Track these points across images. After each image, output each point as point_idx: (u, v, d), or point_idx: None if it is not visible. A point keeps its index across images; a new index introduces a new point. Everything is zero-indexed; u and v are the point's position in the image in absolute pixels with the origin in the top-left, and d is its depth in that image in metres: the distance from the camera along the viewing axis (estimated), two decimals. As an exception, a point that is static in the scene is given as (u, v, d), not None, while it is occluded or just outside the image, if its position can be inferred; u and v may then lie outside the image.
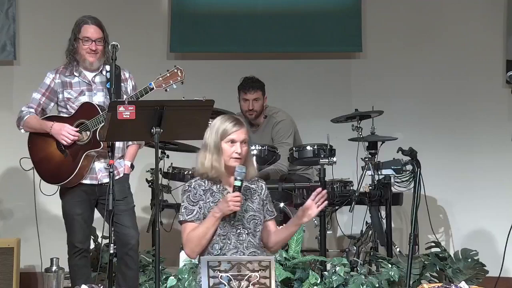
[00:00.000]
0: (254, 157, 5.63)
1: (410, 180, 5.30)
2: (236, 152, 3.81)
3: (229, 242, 3.82)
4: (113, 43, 4.52)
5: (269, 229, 3.97)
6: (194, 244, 3.80)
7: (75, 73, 4.79)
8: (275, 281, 3.86)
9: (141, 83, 4.72)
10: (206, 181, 3.88)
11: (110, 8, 6.43)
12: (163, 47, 6.71)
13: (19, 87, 6.41)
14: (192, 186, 3.87)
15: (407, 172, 5.33)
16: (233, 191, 3.77)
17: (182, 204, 3.87)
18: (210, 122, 5.60)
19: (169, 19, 6.72)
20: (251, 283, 3.29)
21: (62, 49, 4.86)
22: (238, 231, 3.84)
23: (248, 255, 3.78)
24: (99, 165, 4.73)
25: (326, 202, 3.82)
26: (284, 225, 3.99)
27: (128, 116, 4.02)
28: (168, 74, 4.61)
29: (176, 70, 4.62)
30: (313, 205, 3.81)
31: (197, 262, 5.12)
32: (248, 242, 3.84)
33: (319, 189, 3.84)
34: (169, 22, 6.72)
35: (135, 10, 6.68)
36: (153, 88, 4.60)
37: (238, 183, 3.77)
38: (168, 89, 4.61)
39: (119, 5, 6.62)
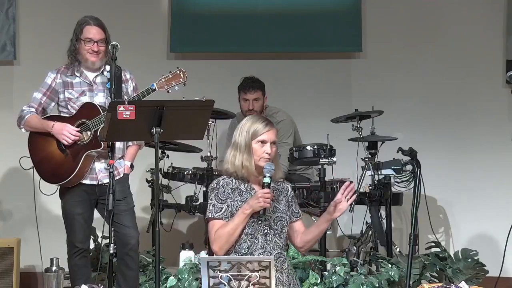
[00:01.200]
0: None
1: (410, 180, 5.31)
2: (266, 153, 3.87)
3: (256, 241, 3.85)
4: (113, 43, 4.51)
5: (296, 230, 4.01)
6: (223, 242, 3.82)
7: (76, 73, 4.79)
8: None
9: (141, 83, 4.72)
10: (234, 180, 3.92)
11: (110, 8, 6.43)
12: (163, 47, 6.71)
13: (19, 87, 6.41)
14: (220, 184, 3.91)
15: (407, 172, 5.34)
16: (263, 188, 3.81)
17: (209, 201, 3.91)
18: (210, 122, 5.67)
19: (169, 19, 6.72)
20: (251, 283, 3.29)
21: (62, 49, 4.86)
22: (265, 231, 3.87)
23: (275, 256, 3.82)
24: (99, 166, 4.74)
25: (354, 196, 3.87)
26: (314, 222, 4.02)
27: (128, 116, 4.02)
28: (171, 76, 4.61)
29: (178, 72, 4.62)
30: (343, 199, 3.85)
31: (197, 262, 5.15)
32: (275, 242, 3.88)
33: (347, 182, 3.88)
34: (169, 22, 6.72)
35: (135, 10, 6.68)
36: (155, 89, 4.60)
37: (267, 180, 3.81)
38: (170, 91, 4.61)
39: (119, 5, 6.62)
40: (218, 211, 3.87)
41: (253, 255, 3.81)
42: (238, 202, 3.88)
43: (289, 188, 4.05)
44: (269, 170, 3.83)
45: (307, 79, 6.79)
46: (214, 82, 6.52)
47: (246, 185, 3.92)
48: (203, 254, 5.24)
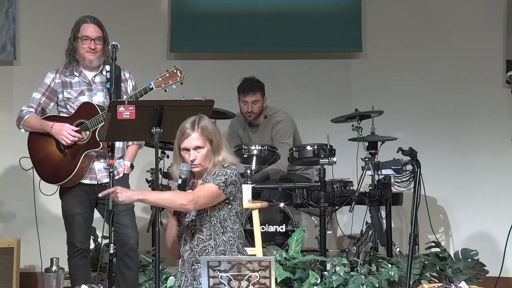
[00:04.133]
0: (255, 157, 5.64)
1: (410, 180, 5.30)
2: (191, 160, 3.85)
3: (184, 242, 3.90)
4: (113, 43, 4.52)
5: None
6: (168, 245, 4.03)
7: (75, 73, 4.80)
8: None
9: (141, 83, 4.72)
10: None
11: (110, 8, 6.43)
12: (163, 47, 6.71)
13: (19, 87, 6.41)
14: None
15: (407, 172, 5.33)
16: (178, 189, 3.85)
17: None
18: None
19: (169, 19, 6.72)
20: (251, 283, 3.29)
21: (62, 49, 4.86)
22: (192, 231, 3.88)
23: (198, 252, 3.83)
24: (99, 165, 4.74)
25: None
26: None
27: (128, 116, 4.03)
28: (168, 75, 4.61)
29: (175, 71, 4.62)
30: None
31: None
32: (197, 238, 3.87)
33: None
34: (169, 22, 6.72)
35: (135, 10, 6.68)
36: (152, 88, 4.60)
37: (179, 181, 3.84)
38: (167, 90, 4.61)
39: (119, 5, 6.62)
40: None
41: (184, 257, 3.88)
42: None
43: (218, 170, 3.87)
44: (181, 171, 3.83)
45: (307, 79, 6.78)
46: (214, 82, 6.51)
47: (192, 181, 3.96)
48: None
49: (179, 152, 3.87)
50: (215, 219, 3.84)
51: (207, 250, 3.81)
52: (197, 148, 3.84)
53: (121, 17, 6.50)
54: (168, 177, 5.99)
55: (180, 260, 3.93)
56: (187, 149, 3.84)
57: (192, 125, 3.85)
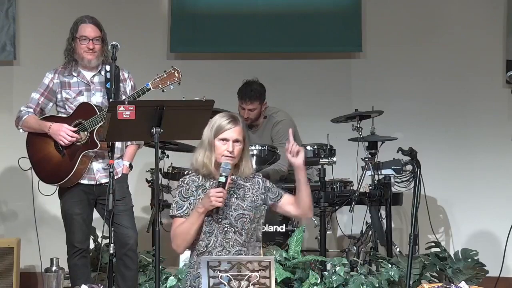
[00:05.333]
0: (254, 157, 5.64)
1: (410, 180, 5.31)
2: (228, 151, 3.81)
3: (215, 239, 3.81)
4: (113, 43, 4.51)
5: (288, 203, 3.99)
6: (180, 240, 3.81)
7: (73, 73, 4.79)
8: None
9: (141, 83, 4.72)
10: (201, 177, 3.88)
11: (110, 8, 6.43)
12: (163, 47, 6.72)
13: (19, 87, 6.42)
14: (185, 182, 3.88)
15: (407, 172, 5.34)
16: (217, 187, 3.76)
17: (174, 198, 3.89)
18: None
19: (169, 19, 6.72)
20: (251, 283, 3.29)
21: (62, 49, 4.86)
22: (225, 229, 3.82)
23: (233, 254, 3.77)
24: (97, 165, 4.74)
25: (300, 155, 3.93)
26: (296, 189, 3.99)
27: (128, 116, 4.02)
28: (165, 75, 4.61)
29: (173, 71, 4.62)
30: (294, 159, 3.92)
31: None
32: (234, 240, 3.82)
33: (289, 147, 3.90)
34: (169, 22, 6.72)
35: (135, 10, 6.68)
36: (150, 89, 4.60)
37: (222, 179, 3.75)
38: (165, 90, 4.61)
39: (119, 5, 6.62)
40: (180, 208, 3.83)
41: (212, 254, 3.78)
42: (200, 200, 3.83)
43: (260, 181, 3.97)
44: (224, 169, 3.77)
45: (307, 79, 6.79)
46: (214, 82, 6.52)
47: (211, 182, 3.87)
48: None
49: (212, 142, 3.83)
50: (255, 231, 3.87)
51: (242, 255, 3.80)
52: (236, 141, 3.84)
53: (121, 17, 6.50)
54: (168, 177, 6.00)
55: (201, 256, 3.78)
56: (227, 140, 3.82)
57: (234, 119, 3.87)
